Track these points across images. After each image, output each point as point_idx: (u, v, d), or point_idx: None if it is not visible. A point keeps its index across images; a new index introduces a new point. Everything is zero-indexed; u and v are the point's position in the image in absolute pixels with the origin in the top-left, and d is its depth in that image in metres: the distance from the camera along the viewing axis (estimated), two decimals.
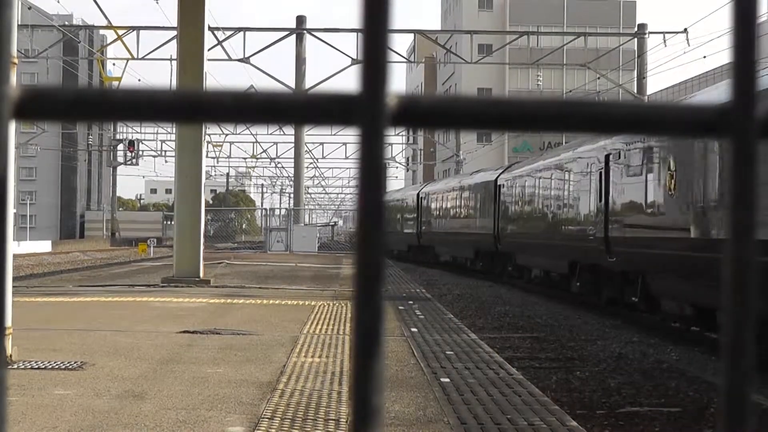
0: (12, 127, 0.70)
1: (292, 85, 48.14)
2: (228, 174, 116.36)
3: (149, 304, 16.39)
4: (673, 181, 16.58)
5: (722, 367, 0.69)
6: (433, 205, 46.85)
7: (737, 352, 0.68)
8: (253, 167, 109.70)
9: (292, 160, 61.89)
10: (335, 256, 46.28)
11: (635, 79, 50.24)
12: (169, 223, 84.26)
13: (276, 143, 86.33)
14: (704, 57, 56.70)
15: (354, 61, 43.17)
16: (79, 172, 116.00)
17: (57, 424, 6.61)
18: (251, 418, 6.92)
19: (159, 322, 13.40)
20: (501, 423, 7.01)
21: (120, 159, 77.93)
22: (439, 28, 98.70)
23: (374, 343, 0.66)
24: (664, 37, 44.34)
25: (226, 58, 44.21)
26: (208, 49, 23.07)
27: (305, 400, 7.60)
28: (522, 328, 18.22)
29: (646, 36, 47.21)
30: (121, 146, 77.87)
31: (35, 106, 0.67)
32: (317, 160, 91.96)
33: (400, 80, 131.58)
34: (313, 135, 71.76)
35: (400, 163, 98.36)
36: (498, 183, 34.32)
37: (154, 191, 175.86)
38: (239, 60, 44.06)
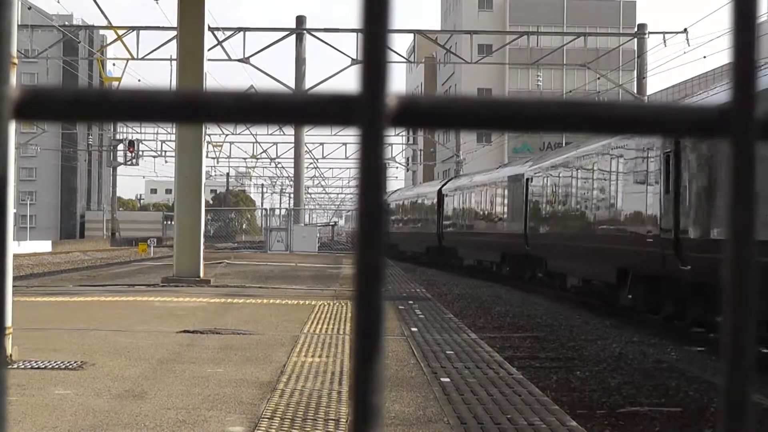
0: (12, 127, 0.70)
1: (292, 85, 48.14)
2: (228, 174, 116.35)
3: (149, 303, 16.38)
4: None
5: (722, 367, 0.69)
6: (457, 203, 41.84)
7: (737, 352, 0.68)
8: (253, 167, 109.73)
9: (292, 160, 61.90)
10: (335, 256, 46.30)
11: (635, 79, 50.23)
12: (169, 223, 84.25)
13: (276, 143, 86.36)
14: (704, 57, 56.75)
15: (354, 61, 43.17)
16: (79, 172, 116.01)
17: (57, 424, 6.60)
18: (251, 417, 6.92)
19: (159, 321, 13.40)
20: (501, 423, 7.01)
21: (120, 159, 77.93)
22: (439, 28, 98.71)
23: (374, 343, 0.66)
24: (664, 37, 44.35)
25: (226, 58, 44.23)
26: (208, 49, 23.07)
27: (305, 400, 7.60)
28: (522, 328, 18.22)
29: (646, 36, 47.20)
30: (121, 146, 77.86)
31: (35, 106, 0.67)
32: (317, 160, 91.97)
33: (400, 80, 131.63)
34: (313, 135, 71.75)
35: (400, 164, 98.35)
36: (527, 176, 30.34)
37: (154, 191, 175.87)
38: (239, 60, 44.06)
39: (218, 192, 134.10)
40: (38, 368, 9.04)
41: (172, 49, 63.71)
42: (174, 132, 37.27)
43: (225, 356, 10.07)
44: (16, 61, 10.63)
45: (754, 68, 0.68)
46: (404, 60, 55.75)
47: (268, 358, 9.94)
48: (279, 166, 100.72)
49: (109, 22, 41.08)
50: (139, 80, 57.61)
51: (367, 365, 0.66)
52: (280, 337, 11.80)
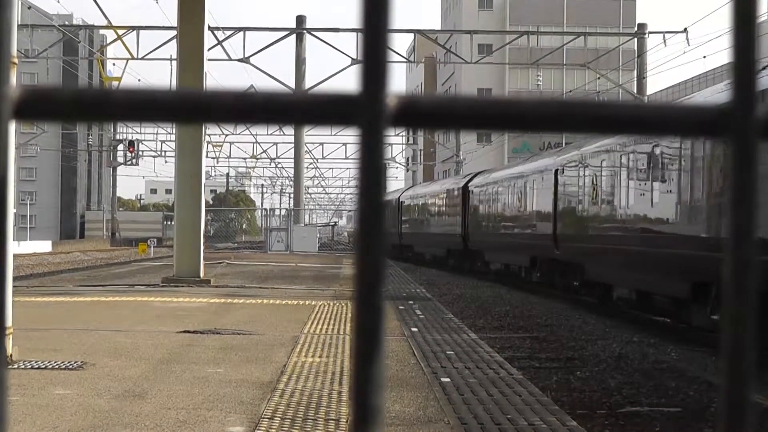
0: (12, 127, 0.70)
1: (292, 85, 48.15)
2: (228, 174, 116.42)
3: (150, 303, 16.38)
4: None
5: (722, 367, 0.69)
6: (484, 200, 36.74)
7: (737, 352, 0.68)
8: (253, 167, 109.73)
9: (292, 161, 61.91)
10: (335, 256, 46.30)
11: (635, 79, 50.23)
12: (169, 223, 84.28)
13: (276, 143, 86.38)
14: (704, 57, 56.76)
15: (354, 61, 43.18)
16: (79, 173, 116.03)
17: (57, 424, 6.61)
18: (252, 417, 6.92)
19: (159, 322, 13.40)
20: (501, 423, 7.01)
21: (120, 159, 77.93)
22: (439, 28, 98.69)
23: (374, 343, 0.66)
24: (664, 37, 44.35)
25: (226, 58, 44.24)
26: (208, 49, 23.07)
27: (305, 400, 7.60)
28: (522, 328, 18.22)
29: (646, 36, 47.21)
30: (121, 146, 77.86)
31: (35, 106, 0.67)
32: (317, 160, 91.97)
33: (400, 80, 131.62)
34: (313, 135, 71.77)
35: (400, 164, 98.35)
36: (556, 168, 26.17)
37: (154, 191, 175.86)
38: (239, 60, 44.07)
39: (218, 192, 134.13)
40: (38, 368, 9.04)
41: (172, 49, 63.77)
42: (174, 132, 37.28)
43: (225, 356, 10.07)
44: (16, 61, 10.63)
45: (754, 68, 0.68)
46: (404, 60, 55.77)
47: (269, 359, 9.94)
48: (279, 166, 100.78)
49: (109, 22, 41.09)
50: (139, 80, 57.64)
51: (367, 365, 0.66)
52: (281, 338, 11.80)
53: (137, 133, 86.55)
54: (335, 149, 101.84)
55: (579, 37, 47.02)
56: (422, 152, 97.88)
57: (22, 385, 8.01)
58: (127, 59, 44.31)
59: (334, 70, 74.99)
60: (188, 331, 12.20)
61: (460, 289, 28.86)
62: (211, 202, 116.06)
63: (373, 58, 0.66)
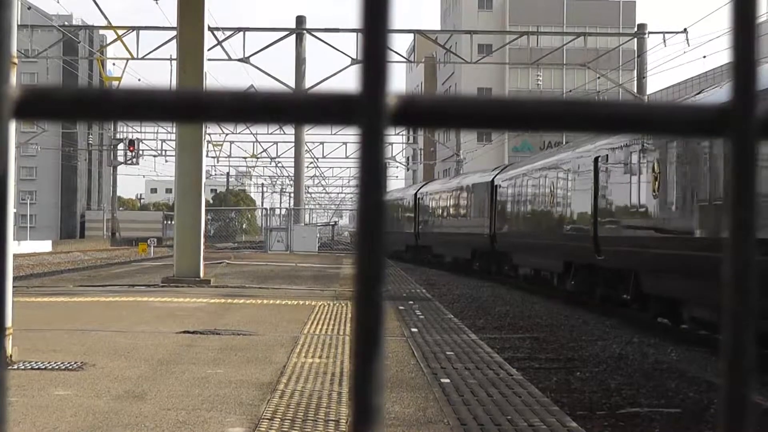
0: (12, 127, 0.70)
1: (292, 85, 48.15)
2: (228, 173, 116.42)
3: (149, 304, 16.39)
4: None
5: (722, 368, 0.69)
6: (513, 195, 31.87)
7: (737, 352, 0.68)
8: (254, 167, 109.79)
9: (292, 160, 61.92)
10: (335, 256, 46.30)
11: (635, 79, 50.24)
12: (169, 222, 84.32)
13: (276, 143, 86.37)
14: (704, 57, 56.78)
15: (354, 61, 43.17)
16: (80, 172, 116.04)
17: (57, 425, 6.61)
18: (251, 418, 6.92)
19: (159, 322, 13.40)
20: (501, 424, 7.01)
21: (120, 159, 77.98)
22: (438, 28, 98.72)
23: (374, 344, 0.66)
24: (663, 37, 44.36)
25: (226, 58, 44.25)
26: (208, 49, 23.08)
27: (305, 401, 7.60)
28: (522, 329, 18.22)
29: (646, 36, 47.21)
30: (121, 146, 77.92)
31: (35, 106, 0.67)
32: (317, 159, 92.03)
33: (400, 80, 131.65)
34: (313, 135, 71.80)
35: (400, 163, 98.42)
36: (595, 156, 21.70)
37: (154, 191, 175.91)
38: (239, 60, 44.08)
39: (218, 192, 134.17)
40: (38, 369, 9.04)
41: (172, 49, 63.73)
42: (174, 131, 37.28)
43: (225, 357, 10.07)
44: (16, 61, 10.63)
45: (754, 68, 0.68)
46: (404, 60, 55.79)
47: (268, 359, 9.94)
48: (279, 165, 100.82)
49: (109, 22, 41.10)
50: (139, 80, 57.64)
51: (367, 366, 0.66)
52: (280, 338, 11.80)
53: (137, 132, 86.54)
54: (335, 148, 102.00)
55: (579, 37, 47.03)
56: (422, 151, 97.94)
57: (21, 386, 8.01)
58: (127, 59, 44.33)
59: (334, 70, 74.98)
60: (188, 332, 12.20)
61: (460, 289, 28.86)
62: (211, 201, 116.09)
63: (373, 58, 0.66)
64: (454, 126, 0.69)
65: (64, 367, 9.11)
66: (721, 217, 14.14)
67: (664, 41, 44.12)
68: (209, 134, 75.00)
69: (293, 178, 62.50)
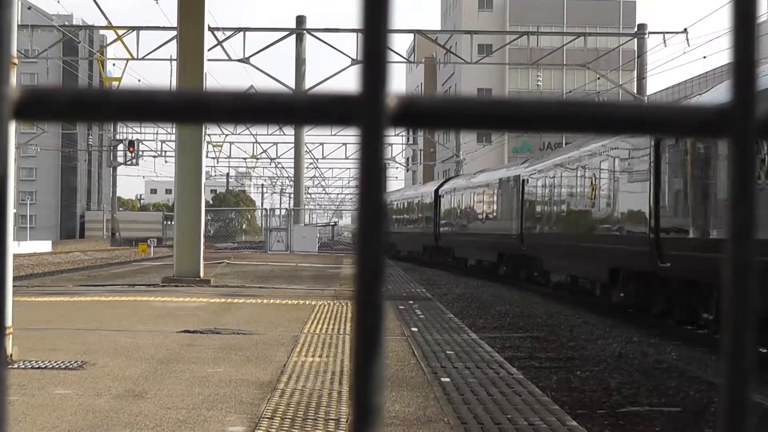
0: (12, 127, 0.70)
1: (292, 85, 48.14)
2: (228, 174, 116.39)
3: (150, 303, 16.38)
4: None
5: (722, 367, 0.69)
6: (543, 191, 28.09)
7: (737, 352, 0.68)
8: (253, 167, 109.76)
9: (292, 161, 61.90)
10: (335, 256, 46.29)
11: (635, 79, 50.22)
12: (169, 223, 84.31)
13: (276, 143, 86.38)
14: (704, 57, 56.77)
15: (354, 61, 43.16)
16: (79, 172, 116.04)
17: (57, 424, 6.61)
18: (251, 417, 6.92)
19: (159, 321, 13.40)
20: (501, 423, 7.01)
21: (120, 159, 77.96)
22: (439, 28, 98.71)
23: (374, 343, 0.66)
24: (664, 37, 44.34)
25: (226, 58, 44.23)
26: (208, 49, 23.07)
27: (305, 400, 7.60)
28: (522, 328, 18.21)
29: (646, 36, 47.19)
30: (121, 146, 77.90)
31: (35, 106, 0.67)
32: (317, 160, 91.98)
33: (400, 80, 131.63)
34: (313, 135, 71.76)
35: (400, 164, 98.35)
36: (660, 145, 17.45)
37: (154, 191, 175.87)
38: (239, 60, 44.06)
39: (218, 192, 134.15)
40: (38, 368, 9.04)
41: (172, 49, 63.78)
42: (174, 132, 37.30)
43: (225, 356, 10.07)
44: (16, 61, 10.63)
45: (754, 68, 0.68)
46: (404, 60, 55.74)
47: (269, 358, 9.93)
48: (279, 166, 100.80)
49: (109, 22, 41.07)
50: (139, 80, 57.63)
51: (367, 365, 0.66)
52: (281, 337, 11.80)
53: (137, 133, 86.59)
54: (335, 149, 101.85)
55: (579, 37, 47.01)
56: (422, 152, 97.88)
57: (21, 385, 8.01)
58: (127, 59, 44.30)
59: (334, 70, 75.01)
60: (188, 331, 12.20)
61: (460, 289, 28.85)
62: (211, 202, 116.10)
63: (373, 58, 0.66)
64: (454, 127, 0.69)
65: (64, 367, 9.11)
66: None
67: (664, 41, 44.11)
68: (209, 135, 74.96)
69: (293, 178, 62.50)
